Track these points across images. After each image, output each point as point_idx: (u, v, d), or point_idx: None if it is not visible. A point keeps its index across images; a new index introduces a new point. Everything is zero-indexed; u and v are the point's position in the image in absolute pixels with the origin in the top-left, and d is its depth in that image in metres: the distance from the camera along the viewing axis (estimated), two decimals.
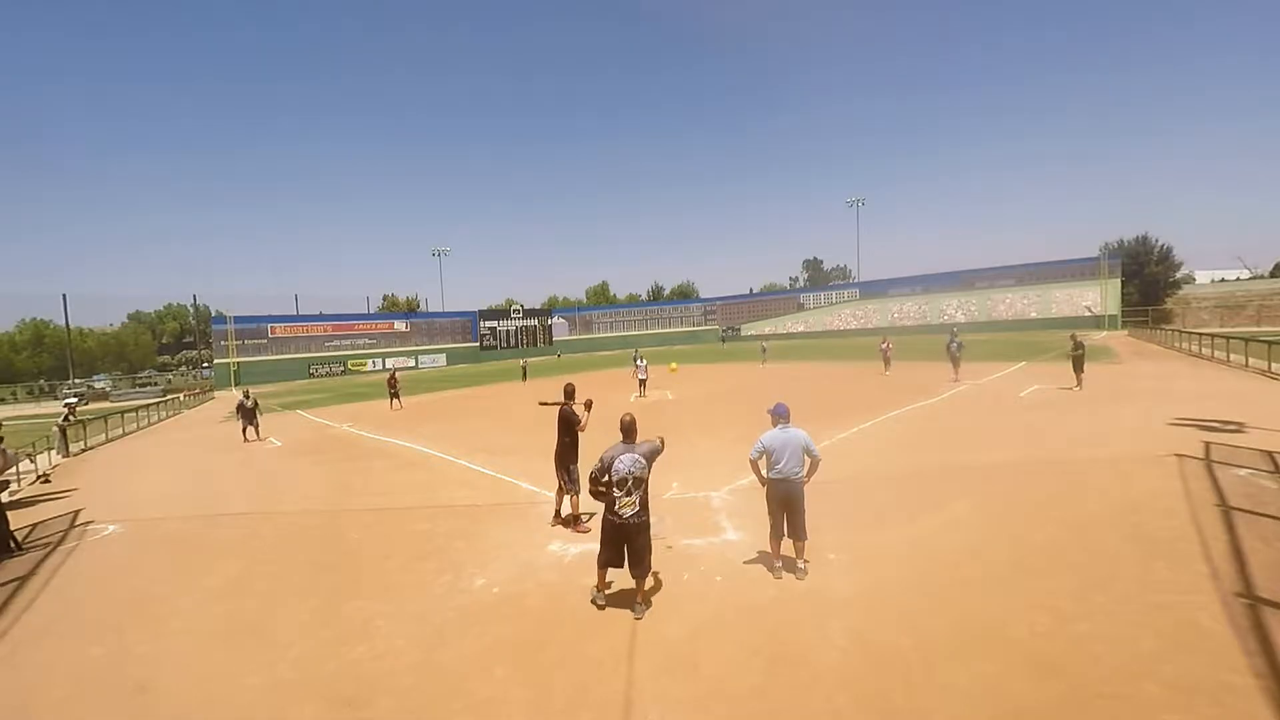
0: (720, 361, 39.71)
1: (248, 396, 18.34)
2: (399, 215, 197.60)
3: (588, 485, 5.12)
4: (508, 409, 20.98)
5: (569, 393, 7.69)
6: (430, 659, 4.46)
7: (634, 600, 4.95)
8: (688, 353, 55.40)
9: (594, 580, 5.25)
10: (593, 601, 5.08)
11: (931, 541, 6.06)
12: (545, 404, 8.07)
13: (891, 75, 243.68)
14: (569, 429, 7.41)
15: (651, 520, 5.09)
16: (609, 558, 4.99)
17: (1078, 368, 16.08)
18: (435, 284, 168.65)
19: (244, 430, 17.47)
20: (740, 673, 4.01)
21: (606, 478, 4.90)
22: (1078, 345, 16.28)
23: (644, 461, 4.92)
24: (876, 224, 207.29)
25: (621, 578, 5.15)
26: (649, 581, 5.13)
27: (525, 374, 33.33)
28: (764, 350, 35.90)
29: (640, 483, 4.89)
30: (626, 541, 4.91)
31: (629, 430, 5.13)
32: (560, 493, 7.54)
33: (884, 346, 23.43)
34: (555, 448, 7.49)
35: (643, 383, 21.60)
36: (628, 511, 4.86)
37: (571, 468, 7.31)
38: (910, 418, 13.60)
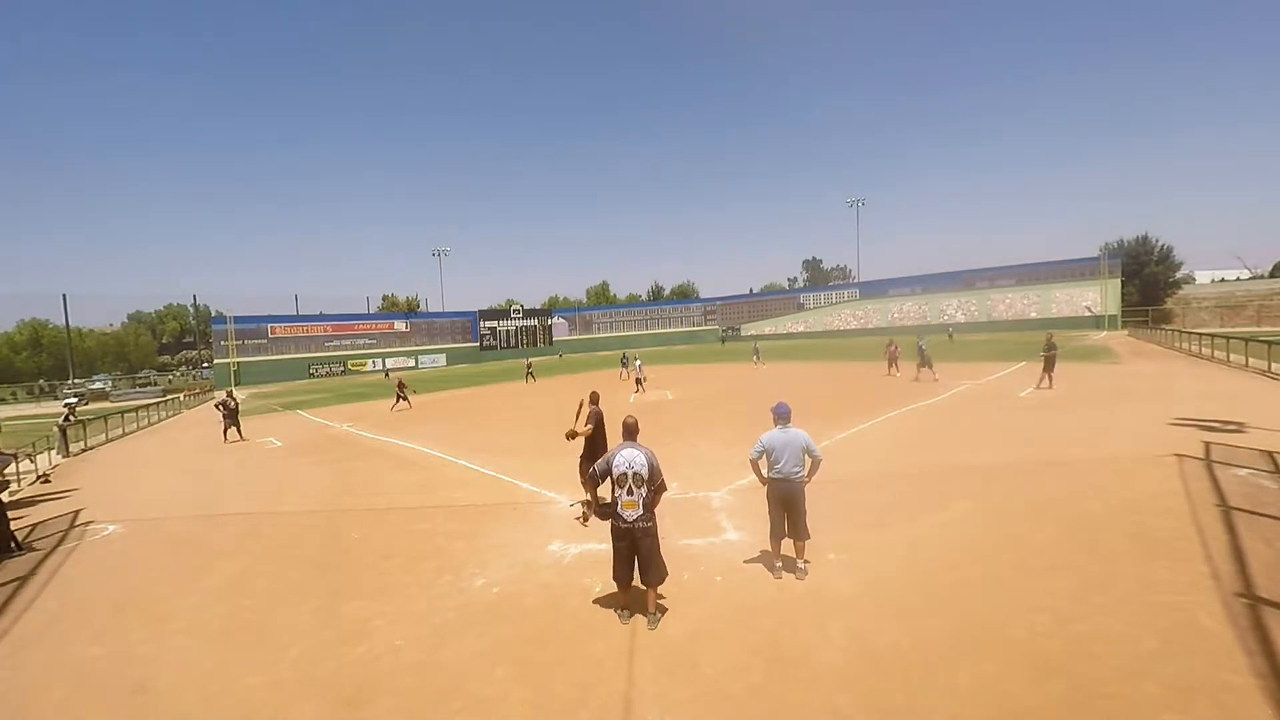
0: (717, 362, 39.68)
1: (231, 396, 18.44)
2: (399, 215, 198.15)
3: (586, 483, 5.06)
4: (508, 409, 20.98)
5: (594, 398, 7.72)
6: (430, 659, 4.46)
7: (647, 609, 4.82)
8: (687, 353, 55.41)
9: (593, 580, 5.24)
10: (620, 617, 4.85)
11: (931, 541, 6.06)
12: (575, 434, 7.74)
13: (891, 75, 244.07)
14: (601, 430, 7.41)
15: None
16: (624, 571, 4.87)
17: (1048, 367, 16.45)
18: (435, 284, 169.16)
19: (225, 431, 17.48)
20: (740, 673, 4.00)
21: (609, 475, 4.88)
22: (1050, 346, 16.66)
23: (644, 460, 4.76)
24: (876, 224, 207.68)
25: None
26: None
27: (530, 374, 32.55)
28: (756, 352, 35.01)
29: (641, 481, 4.73)
30: (636, 548, 4.78)
31: (631, 430, 5.09)
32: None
33: (891, 349, 23.38)
34: (593, 448, 7.40)
35: (640, 381, 22.35)
36: (631, 514, 4.74)
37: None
38: (910, 418, 13.59)
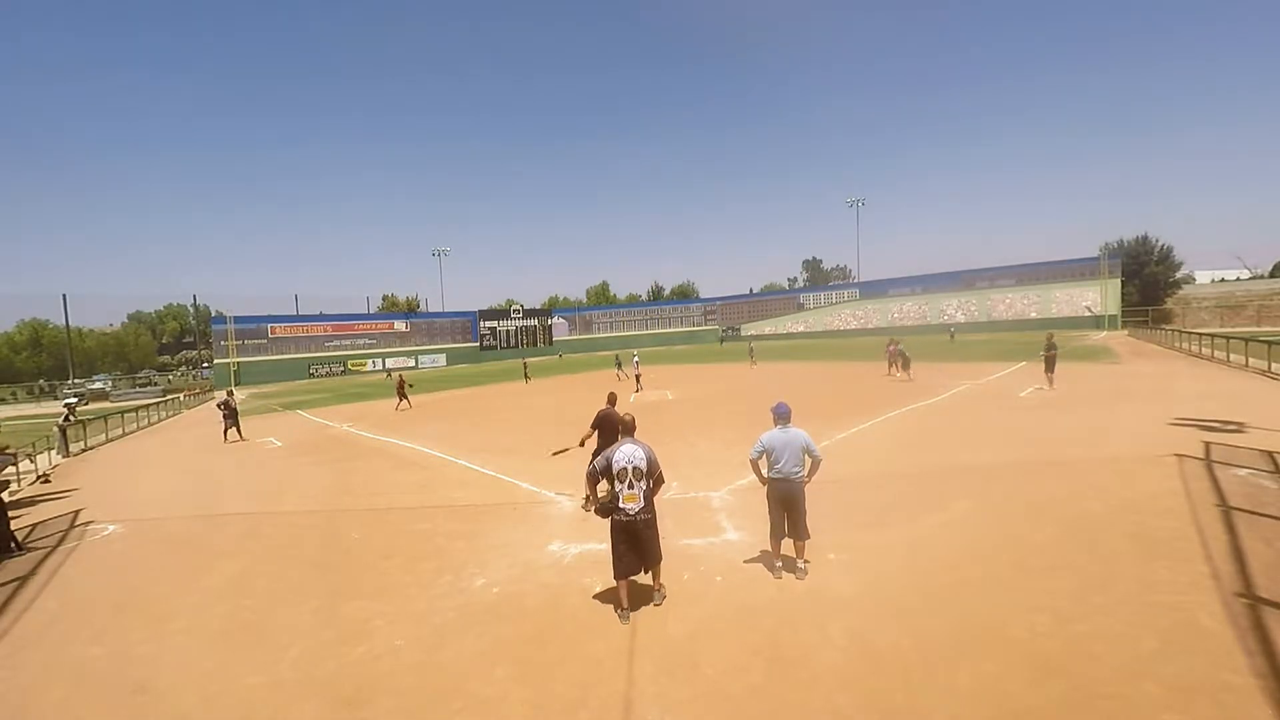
0: (717, 362, 39.61)
1: (231, 395, 18.48)
2: (399, 215, 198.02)
3: (585, 479, 5.09)
4: (508, 409, 20.97)
5: (612, 400, 8.01)
6: (430, 659, 4.46)
7: (651, 590, 5.07)
8: (687, 353, 55.40)
9: (593, 580, 5.30)
10: (620, 616, 4.84)
11: (931, 541, 6.06)
12: (584, 441, 7.98)
13: (891, 75, 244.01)
14: (610, 430, 7.50)
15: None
16: (627, 565, 4.88)
17: (1048, 368, 16.46)
18: (435, 284, 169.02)
19: (225, 431, 17.44)
20: (740, 673, 4.00)
21: (609, 471, 4.95)
22: (1050, 346, 16.69)
23: (643, 455, 4.90)
24: (876, 224, 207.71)
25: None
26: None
27: (527, 374, 32.74)
28: (751, 352, 34.90)
29: (641, 474, 4.87)
30: (637, 540, 4.88)
31: (629, 427, 5.29)
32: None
33: (891, 349, 23.38)
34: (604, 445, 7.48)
35: (638, 378, 23.44)
36: (633, 507, 4.85)
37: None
38: (910, 418, 13.59)
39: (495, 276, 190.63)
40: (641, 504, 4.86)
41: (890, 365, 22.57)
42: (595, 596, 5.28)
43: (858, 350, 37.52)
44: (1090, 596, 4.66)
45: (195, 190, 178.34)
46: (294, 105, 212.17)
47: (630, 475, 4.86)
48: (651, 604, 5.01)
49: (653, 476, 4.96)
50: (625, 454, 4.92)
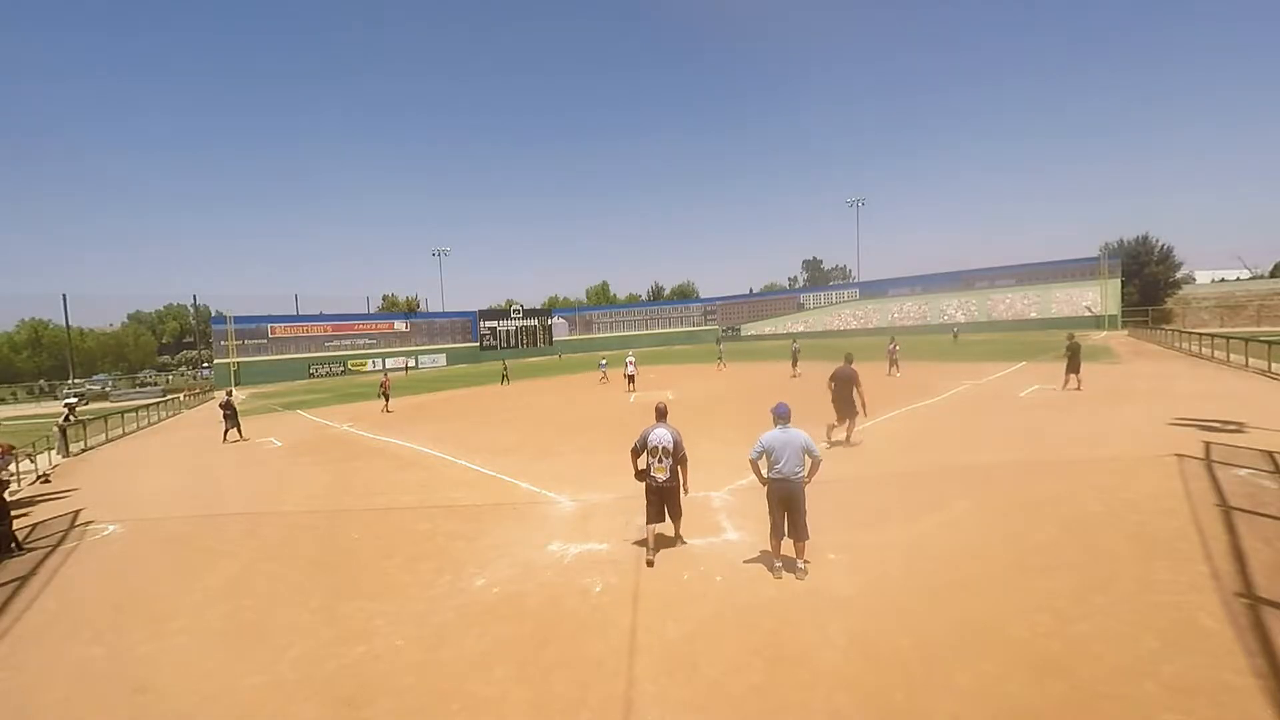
0: (711, 362, 39.45)
1: (230, 394, 18.52)
2: (399, 215, 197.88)
3: (630, 455, 6.17)
4: (507, 409, 20.97)
5: (849, 359, 11.02)
6: (430, 659, 4.46)
7: (673, 539, 6.31)
8: (686, 353, 55.37)
9: (593, 580, 5.44)
10: (647, 561, 5.92)
11: (931, 541, 6.06)
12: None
13: (891, 75, 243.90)
14: (847, 385, 10.45)
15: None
16: (653, 516, 6.08)
17: (1071, 368, 15.82)
18: (435, 284, 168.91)
19: (225, 432, 17.40)
20: (740, 673, 4.00)
21: (644, 448, 6.03)
22: (1072, 345, 15.99)
23: (671, 438, 5.96)
24: (876, 224, 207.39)
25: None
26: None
27: (506, 377, 32.08)
28: (720, 354, 33.33)
29: (669, 453, 5.94)
30: (663, 499, 6.03)
31: (662, 413, 6.26)
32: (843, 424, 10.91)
33: (891, 348, 23.36)
34: (838, 395, 10.69)
35: (631, 379, 23.30)
36: (661, 476, 5.96)
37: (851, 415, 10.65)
38: (910, 418, 13.60)
39: (495, 276, 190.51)
40: (667, 475, 5.98)
41: (891, 365, 22.58)
42: (595, 597, 5.28)
43: (857, 350, 37.34)
44: (1090, 596, 4.67)
45: (195, 190, 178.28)
46: (294, 104, 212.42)
47: (660, 452, 5.96)
48: (675, 545, 6.21)
49: (677, 455, 6.00)
50: (658, 435, 6.00)
